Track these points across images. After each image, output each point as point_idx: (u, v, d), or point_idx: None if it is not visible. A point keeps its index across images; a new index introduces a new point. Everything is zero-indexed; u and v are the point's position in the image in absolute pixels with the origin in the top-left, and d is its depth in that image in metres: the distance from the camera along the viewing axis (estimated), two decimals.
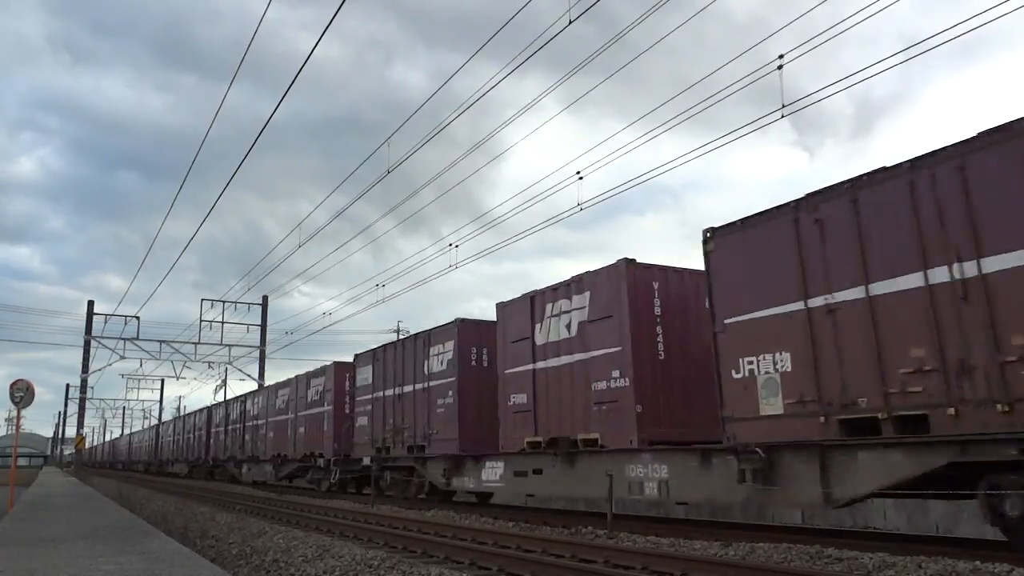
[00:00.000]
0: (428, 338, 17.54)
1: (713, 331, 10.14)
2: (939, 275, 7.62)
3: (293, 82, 11.28)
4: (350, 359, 22.94)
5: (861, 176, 8.53)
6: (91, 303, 44.97)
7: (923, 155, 7.92)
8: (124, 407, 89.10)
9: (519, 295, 14.40)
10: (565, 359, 12.84)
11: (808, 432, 8.70)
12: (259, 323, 46.34)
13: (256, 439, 29.87)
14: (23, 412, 18.43)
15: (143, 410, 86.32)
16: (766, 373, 9.28)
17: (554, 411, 12.97)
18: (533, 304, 13.78)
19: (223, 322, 41.64)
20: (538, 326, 13.60)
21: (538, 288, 13.88)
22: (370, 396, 19.99)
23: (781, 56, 10.11)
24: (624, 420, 11.46)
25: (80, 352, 44.83)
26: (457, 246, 19.08)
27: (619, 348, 11.74)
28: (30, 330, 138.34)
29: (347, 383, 22.04)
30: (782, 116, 10.29)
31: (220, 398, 45.32)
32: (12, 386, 17.64)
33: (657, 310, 12.02)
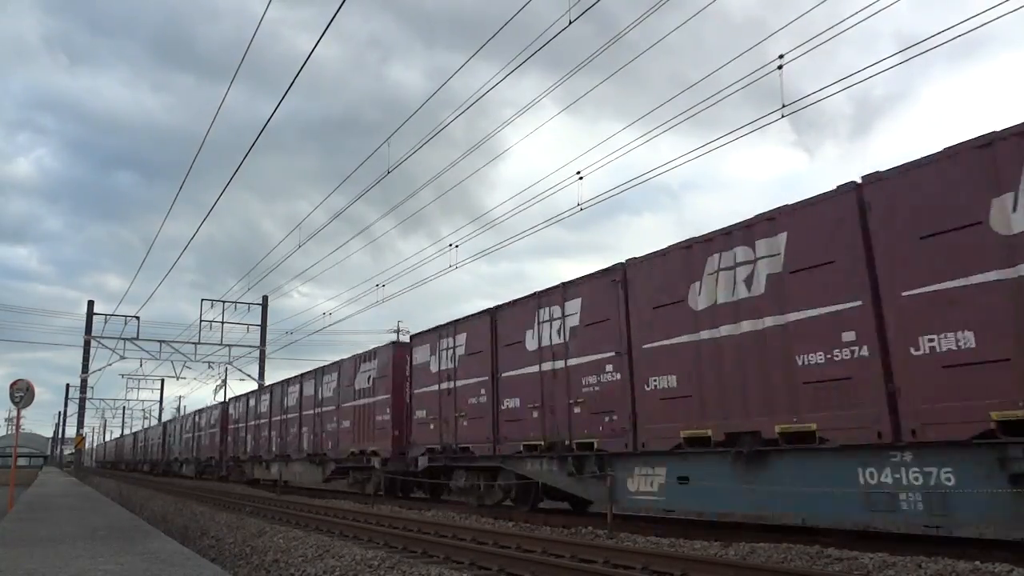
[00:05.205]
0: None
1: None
2: None
3: (293, 82, 11.28)
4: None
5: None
6: (91, 303, 45.04)
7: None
8: (124, 407, 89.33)
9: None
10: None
11: None
12: (259, 323, 46.38)
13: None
14: (23, 412, 18.44)
15: (143, 410, 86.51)
16: None
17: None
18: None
19: (223, 322, 41.68)
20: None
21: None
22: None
23: (781, 56, 10.11)
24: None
25: (80, 352, 44.91)
26: (457, 246, 19.12)
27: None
28: (30, 330, 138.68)
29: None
30: (782, 116, 10.29)
31: (220, 398, 45.21)
32: (12, 386, 17.65)
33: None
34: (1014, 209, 7.11)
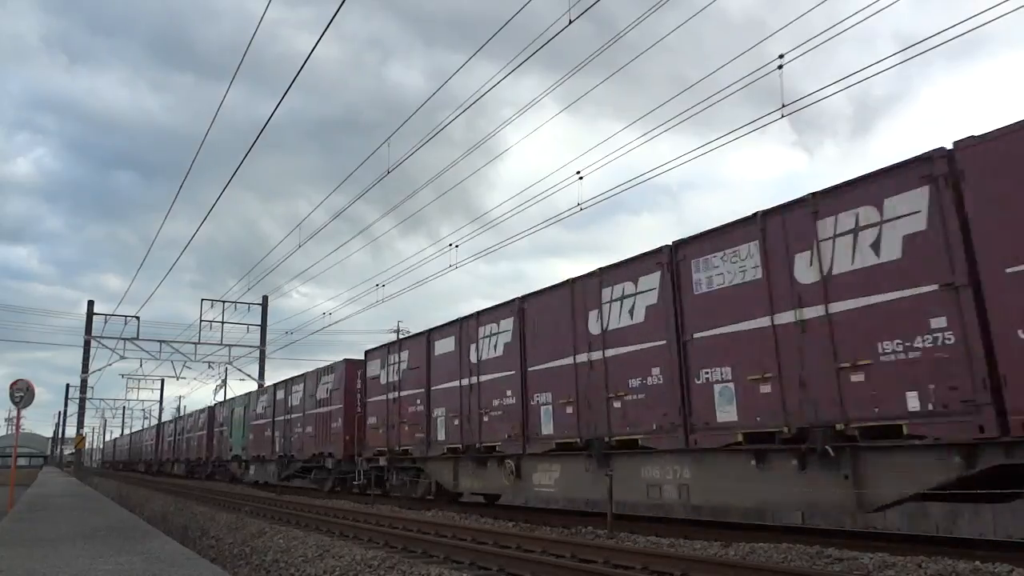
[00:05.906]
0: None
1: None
2: None
3: (293, 82, 11.28)
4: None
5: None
6: (91, 303, 45.01)
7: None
8: (124, 407, 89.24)
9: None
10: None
11: None
12: (259, 323, 46.37)
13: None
14: (23, 412, 18.45)
15: (143, 410, 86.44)
16: None
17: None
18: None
19: (223, 322, 41.62)
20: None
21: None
22: None
23: (781, 56, 10.11)
24: None
25: (80, 352, 44.88)
26: (457, 246, 19.10)
27: None
28: (29, 330, 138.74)
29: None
30: (782, 116, 10.30)
31: (220, 398, 44.87)
32: (12, 386, 17.67)
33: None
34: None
